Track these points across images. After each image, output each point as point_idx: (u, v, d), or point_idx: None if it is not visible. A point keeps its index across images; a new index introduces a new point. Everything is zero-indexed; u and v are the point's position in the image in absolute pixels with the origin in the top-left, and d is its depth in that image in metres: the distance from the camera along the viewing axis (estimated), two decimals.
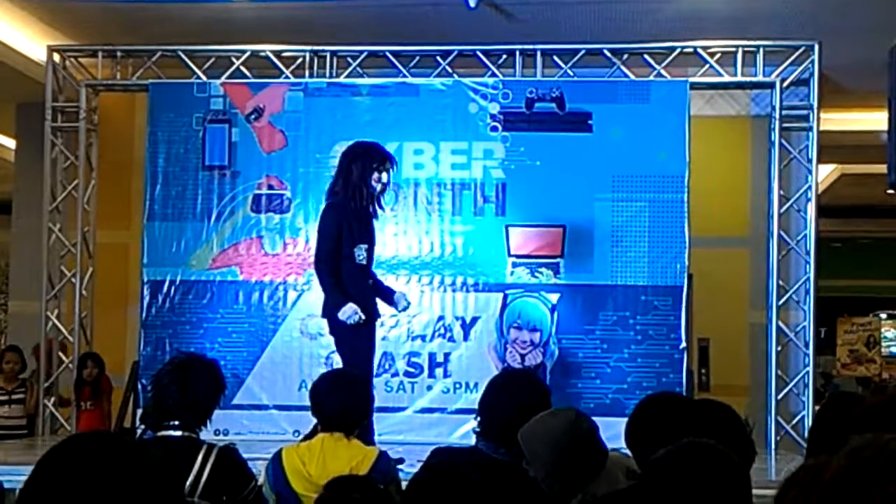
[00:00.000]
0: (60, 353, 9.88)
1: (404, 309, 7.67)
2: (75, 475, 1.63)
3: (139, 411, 8.62)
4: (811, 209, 9.43)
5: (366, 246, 6.97)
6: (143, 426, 4.53)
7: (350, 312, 6.76)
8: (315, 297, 9.20)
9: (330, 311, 6.92)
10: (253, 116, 9.42)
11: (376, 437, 6.53)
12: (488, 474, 3.64)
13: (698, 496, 2.43)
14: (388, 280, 9.10)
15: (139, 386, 9.03)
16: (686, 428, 2.88)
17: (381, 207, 7.16)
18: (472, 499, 3.10)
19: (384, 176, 7.03)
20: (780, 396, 9.26)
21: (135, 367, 9.36)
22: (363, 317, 6.79)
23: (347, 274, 6.87)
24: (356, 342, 6.87)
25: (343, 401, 4.54)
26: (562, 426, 3.67)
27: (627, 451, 3.53)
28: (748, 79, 9.53)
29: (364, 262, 6.97)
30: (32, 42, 10.03)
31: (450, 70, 9.56)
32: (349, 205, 6.91)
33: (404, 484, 4.02)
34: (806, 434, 8.90)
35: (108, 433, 1.93)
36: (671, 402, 3.28)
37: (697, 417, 3.07)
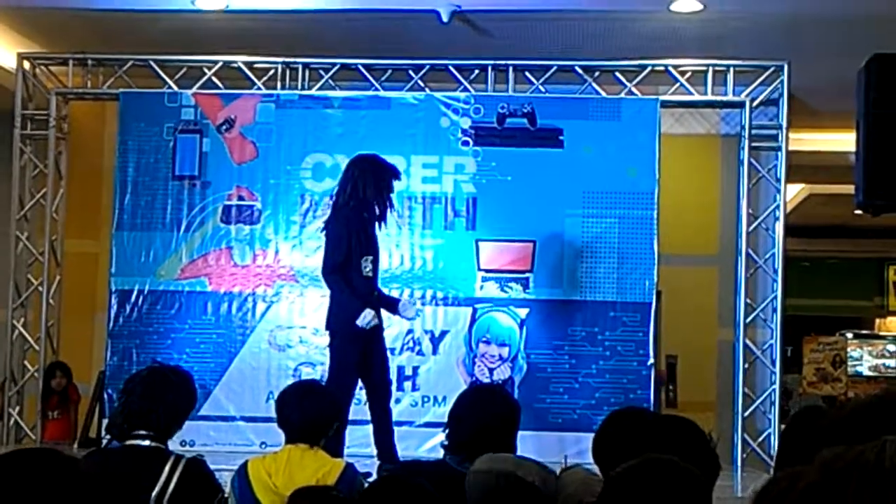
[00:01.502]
0: (26, 362, 9.80)
1: (413, 318, 7.71)
2: (5, 491, 1.64)
3: (105, 421, 8.57)
4: (779, 228, 9.49)
5: (371, 258, 6.97)
6: (108, 436, 4.51)
7: (370, 318, 6.82)
8: (284, 308, 9.23)
9: (342, 320, 6.90)
10: (224, 127, 9.40)
11: (343, 451, 6.51)
12: (452, 487, 3.64)
13: None
14: None
15: (105, 395, 8.98)
16: (652, 443, 2.89)
17: (384, 221, 7.15)
18: None
19: (393, 192, 7.05)
20: (746, 414, 9.30)
21: (101, 376, 9.31)
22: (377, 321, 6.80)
23: (356, 286, 6.88)
24: (353, 355, 6.87)
25: (308, 411, 4.52)
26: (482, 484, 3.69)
27: (595, 468, 3.54)
28: (718, 98, 9.60)
29: (370, 274, 6.97)
30: (2, 49, 9.97)
31: (422, 84, 9.58)
32: (358, 216, 6.89)
33: None
34: (772, 451, 8.98)
35: (40, 449, 1.93)
36: (638, 417, 3.30)
37: (663, 433, 3.08)
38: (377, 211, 7.03)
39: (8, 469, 1.70)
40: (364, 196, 6.93)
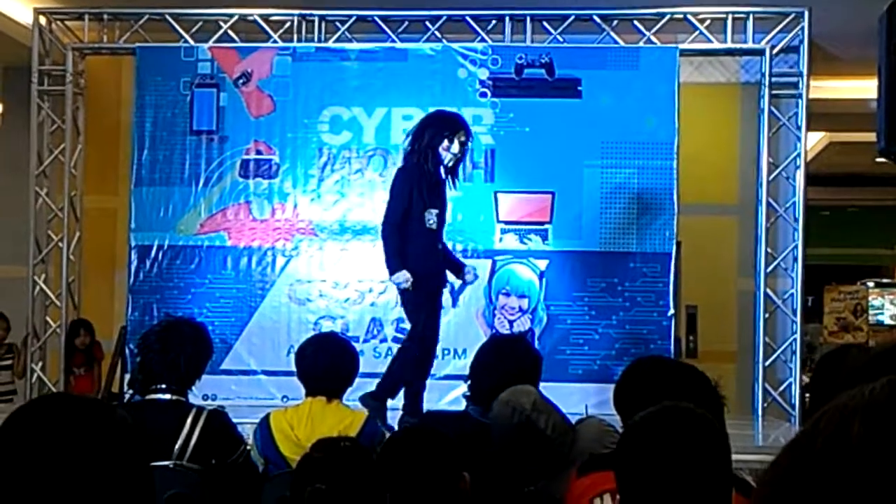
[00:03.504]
0: (48, 318, 9.86)
1: (470, 282, 7.71)
2: (38, 435, 1.63)
3: (126, 376, 8.63)
4: (800, 177, 9.43)
5: (436, 211, 6.91)
6: (130, 391, 4.53)
7: (402, 279, 6.77)
8: (303, 262, 9.24)
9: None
10: (241, 81, 9.37)
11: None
12: (474, 438, 3.65)
13: (676, 457, 2.44)
14: (377, 246, 9.09)
15: (126, 351, 9.02)
16: (672, 390, 2.89)
17: (454, 177, 7.11)
18: (445, 456, 3.10)
19: (454, 146, 6.96)
20: (767, 363, 9.29)
21: (122, 332, 9.34)
22: (411, 285, 6.77)
23: (415, 236, 6.83)
24: (423, 306, 6.91)
25: (327, 364, 4.53)
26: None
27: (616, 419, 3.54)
28: (738, 45, 9.50)
29: (434, 227, 6.92)
30: (19, 4, 9.95)
31: (439, 35, 9.51)
32: (420, 169, 6.87)
33: None
34: (793, 400, 8.99)
35: (76, 395, 1.92)
36: (659, 365, 3.29)
37: (679, 380, 3.08)
38: (442, 163, 6.97)
39: (49, 413, 1.68)
40: (425, 149, 6.89)
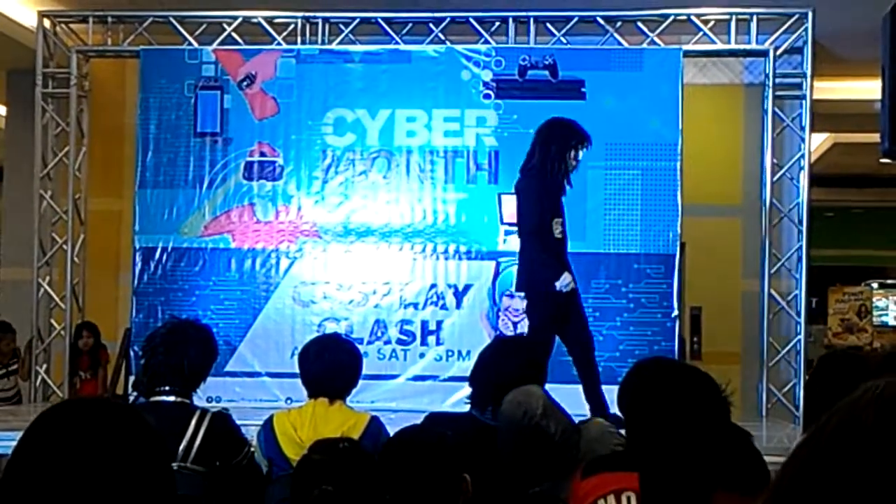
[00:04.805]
0: (52, 321, 9.87)
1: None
2: (67, 438, 1.63)
3: (131, 378, 8.64)
4: (804, 178, 9.42)
5: (560, 220, 6.97)
6: (135, 393, 4.53)
7: (568, 280, 6.83)
8: (307, 264, 9.24)
9: (539, 280, 6.92)
10: (245, 83, 9.38)
11: (367, 405, 6.53)
12: (478, 438, 3.65)
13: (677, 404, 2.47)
14: (381, 248, 9.14)
15: (131, 353, 9.03)
16: (675, 392, 2.89)
17: (569, 184, 7.12)
18: (445, 457, 3.09)
19: (580, 153, 7.03)
20: (771, 364, 9.29)
21: (127, 334, 9.35)
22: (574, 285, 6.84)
23: (550, 247, 6.90)
24: (551, 317, 6.90)
25: (329, 366, 4.53)
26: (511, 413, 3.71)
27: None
28: (741, 46, 9.50)
29: (560, 237, 6.97)
30: (23, 7, 9.97)
31: (442, 37, 9.52)
32: (546, 179, 6.90)
33: None
34: (797, 402, 8.98)
35: (100, 398, 1.92)
36: (663, 366, 3.29)
37: (683, 381, 3.08)
38: (561, 174, 6.99)
39: (77, 416, 1.68)
40: (554, 158, 6.92)
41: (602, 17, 9.41)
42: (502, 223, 9.11)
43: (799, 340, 9.35)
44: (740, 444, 2.49)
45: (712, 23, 9.44)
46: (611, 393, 3.80)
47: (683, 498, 2.39)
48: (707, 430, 2.52)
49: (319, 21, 9.62)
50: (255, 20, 9.65)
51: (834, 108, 11.28)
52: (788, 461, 0.96)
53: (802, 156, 9.44)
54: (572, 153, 6.99)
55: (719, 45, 9.48)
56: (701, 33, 9.41)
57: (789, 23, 9.35)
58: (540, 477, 3.70)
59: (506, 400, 3.78)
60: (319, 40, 9.61)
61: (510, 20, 9.44)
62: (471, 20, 9.51)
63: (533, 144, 7.13)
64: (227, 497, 4.13)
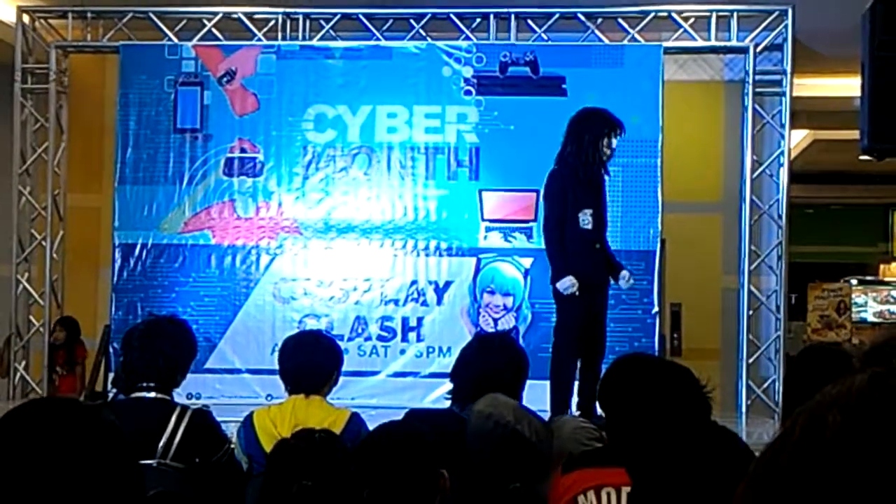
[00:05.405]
0: (31, 318, 9.83)
1: (624, 288, 7.57)
2: (26, 440, 1.62)
3: (111, 375, 8.61)
4: (783, 175, 9.45)
5: (591, 211, 6.88)
6: (114, 389, 4.52)
7: (567, 284, 6.74)
8: (288, 261, 9.23)
9: (553, 279, 6.89)
10: (225, 79, 9.36)
11: (348, 402, 6.52)
12: (458, 435, 3.64)
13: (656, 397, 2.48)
14: (362, 244, 9.13)
15: (111, 350, 9.00)
16: (655, 387, 2.89)
17: (607, 173, 7.09)
18: (422, 453, 3.09)
19: (614, 141, 6.98)
20: (751, 360, 9.32)
21: (106, 330, 9.32)
22: (577, 290, 6.73)
23: (570, 239, 6.82)
24: (576, 311, 6.84)
25: (306, 361, 4.52)
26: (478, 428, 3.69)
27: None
28: (722, 43, 9.53)
29: (589, 227, 6.88)
30: (1, 2, 9.91)
31: (423, 33, 9.51)
32: (578, 169, 6.86)
33: None
34: (776, 398, 9.01)
35: (63, 398, 1.92)
36: (642, 362, 3.29)
37: (663, 377, 3.08)
38: (598, 162, 6.95)
39: (33, 418, 1.68)
40: (587, 148, 6.88)
41: (583, 13, 9.42)
42: (483, 220, 9.11)
43: (778, 337, 9.39)
44: (728, 444, 2.49)
45: (693, 19, 9.46)
46: None
47: (676, 496, 2.39)
48: (698, 432, 2.53)
49: (300, 17, 9.60)
50: (235, 16, 9.62)
51: (814, 105, 11.32)
52: (756, 465, 0.95)
53: (782, 152, 9.47)
54: (605, 141, 6.94)
55: (700, 42, 9.50)
56: (681, 30, 9.44)
57: (769, 20, 9.38)
58: (519, 479, 3.70)
59: (473, 413, 3.74)
60: (300, 36, 9.59)
61: (491, 16, 9.44)
62: (452, 16, 9.51)
63: (566, 136, 7.07)
64: (207, 494, 4.11)
